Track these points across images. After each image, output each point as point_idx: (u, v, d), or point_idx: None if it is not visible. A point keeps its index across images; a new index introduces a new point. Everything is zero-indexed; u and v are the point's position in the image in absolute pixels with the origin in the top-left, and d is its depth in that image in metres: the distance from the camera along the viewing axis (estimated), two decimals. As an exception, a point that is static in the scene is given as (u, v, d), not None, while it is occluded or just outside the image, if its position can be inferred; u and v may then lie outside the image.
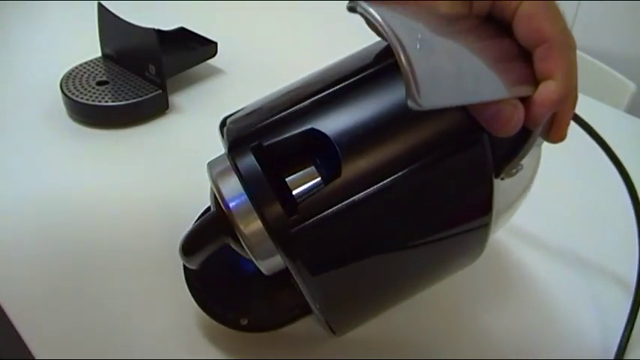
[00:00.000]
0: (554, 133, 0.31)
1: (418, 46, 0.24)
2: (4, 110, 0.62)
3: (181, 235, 0.38)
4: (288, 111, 0.29)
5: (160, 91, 0.60)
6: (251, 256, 0.29)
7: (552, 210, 0.50)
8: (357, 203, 0.28)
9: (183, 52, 0.66)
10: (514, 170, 0.31)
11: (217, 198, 0.29)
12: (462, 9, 0.29)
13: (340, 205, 0.27)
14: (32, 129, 0.60)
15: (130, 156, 0.57)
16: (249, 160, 0.28)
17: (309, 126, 0.28)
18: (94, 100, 0.59)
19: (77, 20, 0.75)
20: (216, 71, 0.70)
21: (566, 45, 0.28)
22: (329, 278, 0.29)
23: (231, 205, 0.28)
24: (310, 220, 0.27)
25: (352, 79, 0.30)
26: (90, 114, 0.60)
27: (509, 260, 0.46)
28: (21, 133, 0.59)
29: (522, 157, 0.31)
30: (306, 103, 0.29)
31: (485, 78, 0.27)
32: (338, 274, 0.29)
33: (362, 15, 0.25)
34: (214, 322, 0.37)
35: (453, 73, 0.26)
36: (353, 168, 0.28)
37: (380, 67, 0.30)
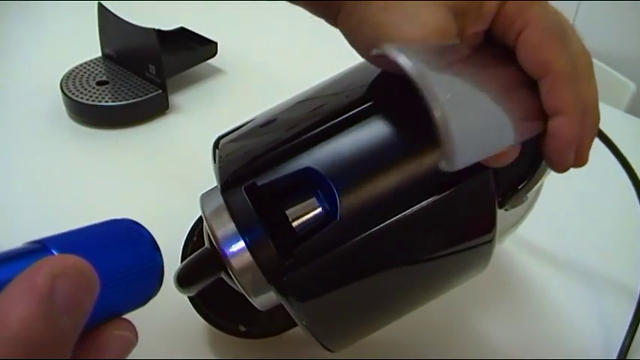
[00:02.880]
0: (575, 159, 0.28)
1: (448, 96, 0.23)
2: (4, 110, 0.62)
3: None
4: (283, 148, 0.28)
5: (160, 91, 0.60)
6: (244, 292, 0.29)
7: (556, 216, 0.50)
8: (356, 246, 0.27)
9: (183, 52, 0.66)
10: (518, 202, 0.30)
11: (211, 238, 0.29)
12: (453, 36, 0.27)
13: (339, 248, 0.27)
14: (32, 129, 0.60)
15: (130, 156, 0.57)
16: (242, 203, 0.27)
17: (305, 164, 0.27)
18: (94, 100, 0.59)
19: (77, 20, 0.75)
20: (216, 71, 0.70)
21: (574, 76, 0.26)
22: (325, 313, 0.29)
23: (225, 248, 0.27)
24: (306, 265, 0.27)
25: (351, 112, 0.28)
26: (90, 114, 0.60)
27: (513, 266, 0.46)
28: (21, 133, 0.59)
29: (528, 191, 0.30)
30: (302, 138, 0.28)
31: (505, 122, 0.26)
32: (334, 307, 0.29)
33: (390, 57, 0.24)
34: (212, 328, 0.37)
35: (480, 124, 0.24)
36: (351, 209, 0.26)
37: (379, 100, 0.29)
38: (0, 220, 0.48)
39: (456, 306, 0.42)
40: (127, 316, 0.22)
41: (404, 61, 0.23)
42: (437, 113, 0.22)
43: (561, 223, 0.50)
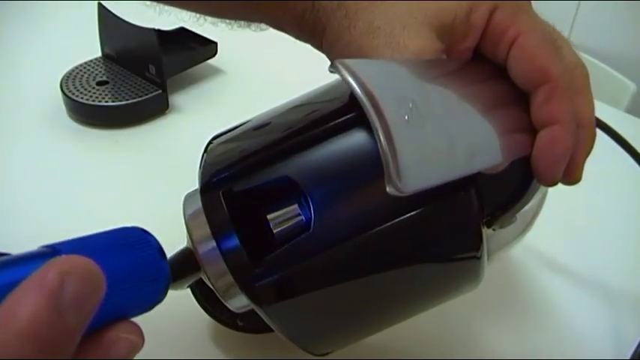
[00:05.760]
0: (568, 175, 0.27)
1: (407, 118, 0.22)
2: (4, 110, 0.62)
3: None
4: (264, 154, 0.28)
5: (160, 91, 0.60)
6: (218, 295, 0.29)
7: (565, 221, 0.49)
8: (329, 258, 0.26)
9: (183, 52, 0.66)
10: (508, 223, 0.29)
11: (189, 239, 0.29)
12: (440, 51, 0.27)
13: (311, 258, 0.26)
14: (32, 129, 0.60)
15: (130, 156, 0.57)
16: (218, 207, 0.28)
17: (283, 173, 0.27)
18: (94, 100, 0.59)
19: (77, 20, 0.75)
20: (216, 71, 0.70)
21: (570, 87, 0.26)
22: (298, 321, 0.29)
23: (200, 251, 0.28)
24: (278, 273, 0.27)
25: (333, 122, 0.28)
26: (90, 114, 0.60)
27: (521, 273, 0.46)
28: (21, 133, 0.59)
29: (518, 211, 0.29)
30: (285, 145, 0.28)
31: (480, 144, 0.25)
32: (307, 316, 0.29)
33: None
34: (214, 321, 0.38)
35: (444, 147, 0.24)
36: (326, 221, 0.26)
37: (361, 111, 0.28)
38: (0, 219, 0.48)
39: (460, 313, 0.41)
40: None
41: (350, 79, 0.23)
42: (378, 134, 0.22)
43: (570, 227, 0.50)
